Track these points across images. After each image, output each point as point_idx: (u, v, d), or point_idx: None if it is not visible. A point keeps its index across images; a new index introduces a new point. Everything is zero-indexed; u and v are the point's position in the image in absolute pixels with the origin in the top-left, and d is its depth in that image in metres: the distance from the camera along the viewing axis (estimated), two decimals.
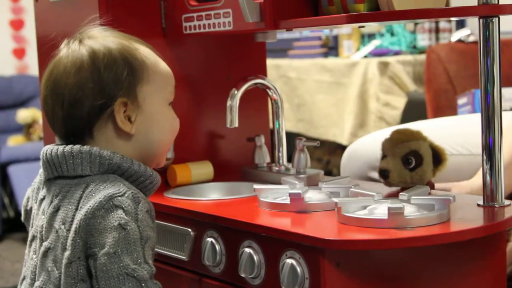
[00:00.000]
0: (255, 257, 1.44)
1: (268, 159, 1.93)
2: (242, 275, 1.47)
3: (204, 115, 1.97)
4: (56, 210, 1.29)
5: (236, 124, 1.77)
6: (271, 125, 1.98)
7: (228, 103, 1.77)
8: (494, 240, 1.45)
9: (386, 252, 1.37)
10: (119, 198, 1.23)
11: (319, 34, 4.19)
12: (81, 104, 1.29)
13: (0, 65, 5.89)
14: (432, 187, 1.68)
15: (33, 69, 5.95)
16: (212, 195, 1.83)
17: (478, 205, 1.50)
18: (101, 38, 1.34)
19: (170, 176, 1.86)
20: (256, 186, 1.61)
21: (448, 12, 1.47)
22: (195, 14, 1.77)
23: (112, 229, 1.21)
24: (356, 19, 1.47)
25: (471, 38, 3.52)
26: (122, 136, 1.32)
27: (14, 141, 5.23)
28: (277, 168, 1.87)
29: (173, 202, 1.69)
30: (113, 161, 1.29)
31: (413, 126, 2.04)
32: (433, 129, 2.10)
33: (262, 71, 2.02)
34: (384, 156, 1.65)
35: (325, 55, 4.11)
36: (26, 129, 5.25)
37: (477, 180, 1.77)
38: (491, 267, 1.46)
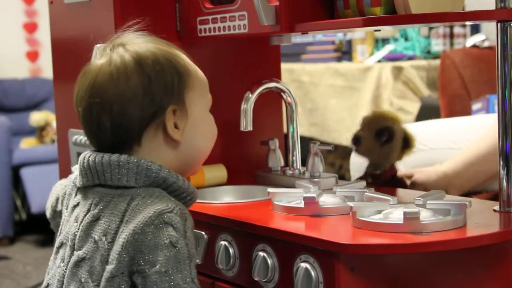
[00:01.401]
0: (269, 261, 1.43)
1: (282, 163, 1.92)
2: (256, 279, 1.46)
3: (218, 118, 1.94)
4: (96, 219, 1.26)
5: (250, 128, 1.76)
6: (285, 129, 1.97)
7: (243, 106, 1.76)
8: (510, 246, 1.44)
9: (401, 257, 1.36)
10: (169, 214, 1.21)
11: (332, 38, 4.18)
12: (132, 113, 1.26)
13: (13, 68, 5.91)
14: (395, 171, 1.80)
15: (46, 72, 5.97)
16: (226, 198, 1.83)
17: (494, 210, 1.48)
18: (142, 43, 1.30)
19: None
20: (270, 189, 1.60)
21: (465, 16, 1.46)
22: (210, 17, 1.77)
23: (163, 247, 1.18)
24: (372, 22, 1.46)
25: (486, 44, 3.51)
26: (170, 144, 1.30)
27: (27, 144, 5.24)
28: (291, 172, 1.87)
29: None
30: (160, 174, 1.26)
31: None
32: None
33: (276, 75, 2.01)
34: (361, 128, 1.80)
35: (339, 59, 4.10)
36: (39, 131, 5.26)
37: (443, 167, 1.89)
38: (507, 273, 1.45)
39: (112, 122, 1.27)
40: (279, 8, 1.58)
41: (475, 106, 3.10)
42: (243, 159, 1.99)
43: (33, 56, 6.09)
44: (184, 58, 1.34)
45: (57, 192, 1.44)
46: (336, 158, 4.15)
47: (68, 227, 1.30)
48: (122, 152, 1.28)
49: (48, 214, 1.47)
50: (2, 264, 4.33)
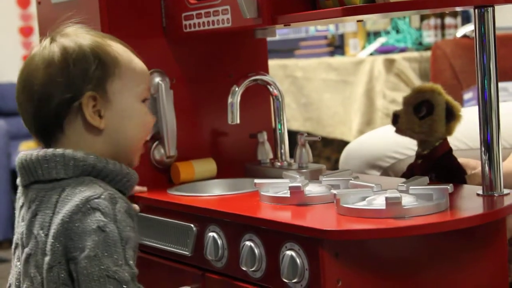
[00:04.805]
0: (256, 250, 1.45)
1: (271, 155, 1.94)
2: (244, 269, 1.48)
3: (206, 113, 1.98)
4: (34, 215, 1.29)
5: (238, 121, 1.78)
6: (273, 122, 1.99)
7: (229, 100, 1.78)
8: (494, 229, 1.45)
9: (385, 241, 1.37)
10: (96, 200, 1.24)
11: (325, 33, 4.19)
12: (50, 98, 1.30)
13: (10, 72, 5.92)
14: (448, 147, 1.68)
15: None
16: (215, 191, 1.84)
17: (478, 194, 1.50)
18: (74, 35, 1.34)
19: (173, 174, 1.87)
20: (257, 180, 1.62)
21: (442, 2, 1.48)
22: (194, 12, 1.78)
23: (91, 232, 1.21)
24: (351, 12, 1.47)
25: None
26: (92, 130, 1.32)
27: (26, 147, 5.26)
28: (279, 164, 1.89)
29: (175, 199, 1.70)
30: (87, 162, 1.29)
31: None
32: None
33: (264, 68, 2.03)
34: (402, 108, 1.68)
35: (331, 54, 4.11)
36: None
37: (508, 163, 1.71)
38: (492, 256, 1.47)
39: (34, 109, 1.31)
40: (260, 1, 1.60)
41: (467, 95, 3.12)
42: (232, 152, 2.01)
43: None
44: (115, 48, 1.35)
45: None
46: (332, 152, 4.16)
47: (19, 227, 1.34)
48: (49, 139, 1.32)
49: None
50: (2, 267, 4.34)
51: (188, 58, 1.95)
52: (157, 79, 1.85)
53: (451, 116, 1.65)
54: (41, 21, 2.06)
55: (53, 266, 1.23)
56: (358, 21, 1.79)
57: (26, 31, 6.09)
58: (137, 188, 1.78)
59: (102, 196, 1.25)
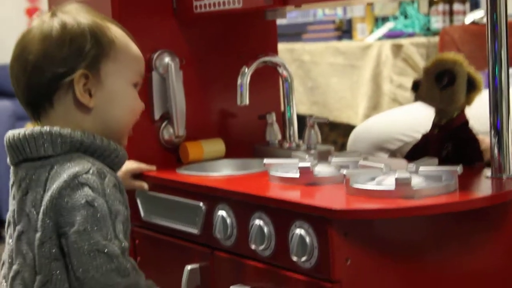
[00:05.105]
0: (265, 229, 1.46)
1: (279, 137, 1.95)
2: (253, 247, 1.49)
3: (216, 94, 1.99)
4: (25, 193, 1.30)
5: (247, 102, 1.79)
6: (282, 104, 2.00)
7: (239, 81, 1.79)
8: (503, 211, 1.46)
9: (393, 222, 1.38)
10: (84, 175, 1.25)
11: (333, 17, 4.19)
12: (43, 70, 1.31)
13: None
14: (464, 119, 1.67)
15: None
16: (224, 171, 1.85)
17: (486, 177, 1.51)
18: (75, 13, 1.35)
19: (182, 153, 1.88)
20: (266, 160, 1.63)
21: None
22: None
23: (80, 207, 1.22)
24: None
25: (485, 20, 3.51)
26: (81, 108, 1.33)
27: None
28: (288, 145, 1.89)
29: (184, 178, 1.71)
30: (74, 138, 1.30)
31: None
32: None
33: (273, 50, 2.03)
34: (422, 76, 1.68)
35: (339, 38, 4.11)
36: None
37: None
38: (500, 237, 1.47)
39: (27, 80, 1.32)
40: None
41: None
42: (241, 133, 2.01)
43: None
44: (114, 31, 1.36)
45: None
46: (338, 136, 4.17)
47: (10, 205, 1.35)
48: (39, 113, 1.34)
49: None
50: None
51: (198, 39, 1.95)
52: (167, 60, 1.86)
53: (472, 88, 1.64)
54: (52, 4, 2.07)
55: (44, 242, 1.25)
56: (368, 4, 1.79)
57: (32, 12, 6.09)
58: (146, 166, 1.79)
59: (91, 171, 1.26)
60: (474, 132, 1.69)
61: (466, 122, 1.68)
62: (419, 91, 1.67)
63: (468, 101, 1.66)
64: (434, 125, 1.71)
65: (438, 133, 1.69)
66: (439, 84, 1.63)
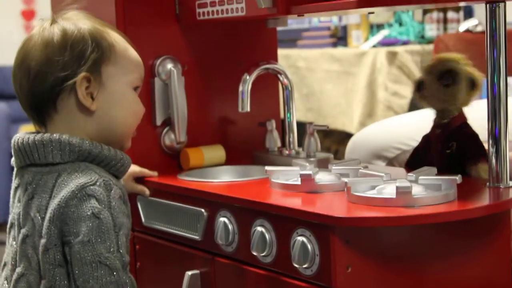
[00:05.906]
0: (267, 236, 1.48)
1: (279, 144, 1.97)
2: (254, 254, 1.51)
3: (216, 100, 2.01)
4: (31, 198, 1.32)
5: (248, 109, 1.81)
6: (282, 111, 2.02)
7: (240, 88, 1.81)
8: (500, 220, 1.49)
9: (394, 229, 1.40)
10: (91, 187, 1.27)
11: (328, 24, 4.22)
12: (46, 76, 1.32)
13: (12, 55, 5.92)
14: (464, 119, 1.69)
15: None
16: (225, 177, 1.87)
17: (484, 186, 1.53)
18: (75, 19, 1.38)
19: (183, 159, 1.90)
20: (268, 168, 1.65)
21: None
22: (208, 0, 1.81)
23: (86, 218, 1.24)
24: (367, 3, 1.50)
25: (479, 28, 3.55)
26: (84, 111, 1.35)
27: (25, 130, 5.26)
28: (287, 152, 1.91)
29: (186, 184, 1.73)
30: (82, 147, 1.32)
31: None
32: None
33: (273, 57, 2.06)
34: (424, 74, 1.69)
35: (334, 45, 4.14)
36: None
37: None
38: (496, 246, 1.50)
39: (30, 86, 1.34)
40: None
41: None
42: (241, 140, 2.03)
43: None
44: (113, 36, 1.39)
45: None
46: (332, 143, 4.19)
47: (14, 208, 1.37)
48: (42, 118, 1.35)
49: None
50: (2, 249, 4.37)
51: (200, 45, 1.97)
52: (169, 66, 1.88)
53: (473, 87, 1.67)
54: (54, 4, 2.08)
55: (49, 248, 1.27)
56: (369, 13, 1.81)
57: (28, 15, 6.09)
58: (149, 172, 1.81)
59: (98, 183, 1.28)
60: (479, 138, 1.70)
61: (466, 120, 1.71)
62: (424, 90, 1.69)
63: (467, 101, 1.69)
64: (435, 124, 1.73)
65: (440, 132, 1.71)
66: (442, 82, 1.66)
